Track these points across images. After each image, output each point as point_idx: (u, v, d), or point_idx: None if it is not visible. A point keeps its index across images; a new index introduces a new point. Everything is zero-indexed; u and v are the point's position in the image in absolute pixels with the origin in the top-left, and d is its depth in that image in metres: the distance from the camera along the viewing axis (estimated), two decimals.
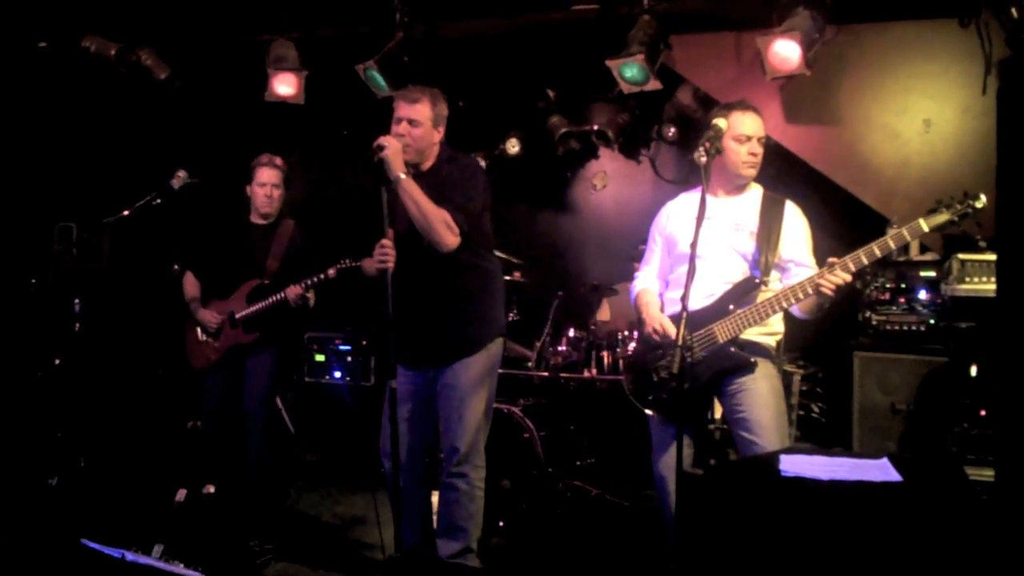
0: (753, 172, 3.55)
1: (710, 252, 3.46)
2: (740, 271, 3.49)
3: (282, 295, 4.43)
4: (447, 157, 3.76)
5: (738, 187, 3.59)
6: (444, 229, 3.51)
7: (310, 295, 4.45)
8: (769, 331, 3.51)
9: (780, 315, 3.51)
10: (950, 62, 4.96)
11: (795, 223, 3.55)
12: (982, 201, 3.11)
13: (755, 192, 3.62)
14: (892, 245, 3.21)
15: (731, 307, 3.41)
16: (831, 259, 3.25)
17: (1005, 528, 2.16)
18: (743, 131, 3.49)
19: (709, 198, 3.43)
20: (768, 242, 3.46)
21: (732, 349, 3.40)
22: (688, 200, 3.72)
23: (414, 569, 3.63)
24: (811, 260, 3.51)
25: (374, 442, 3.82)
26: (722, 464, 3.36)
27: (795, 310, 3.44)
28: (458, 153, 3.84)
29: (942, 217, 3.16)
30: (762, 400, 3.39)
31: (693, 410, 3.52)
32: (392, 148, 3.45)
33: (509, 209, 3.88)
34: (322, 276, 4.38)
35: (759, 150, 3.52)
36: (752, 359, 3.39)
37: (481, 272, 3.77)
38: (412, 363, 3.79)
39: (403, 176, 3.45)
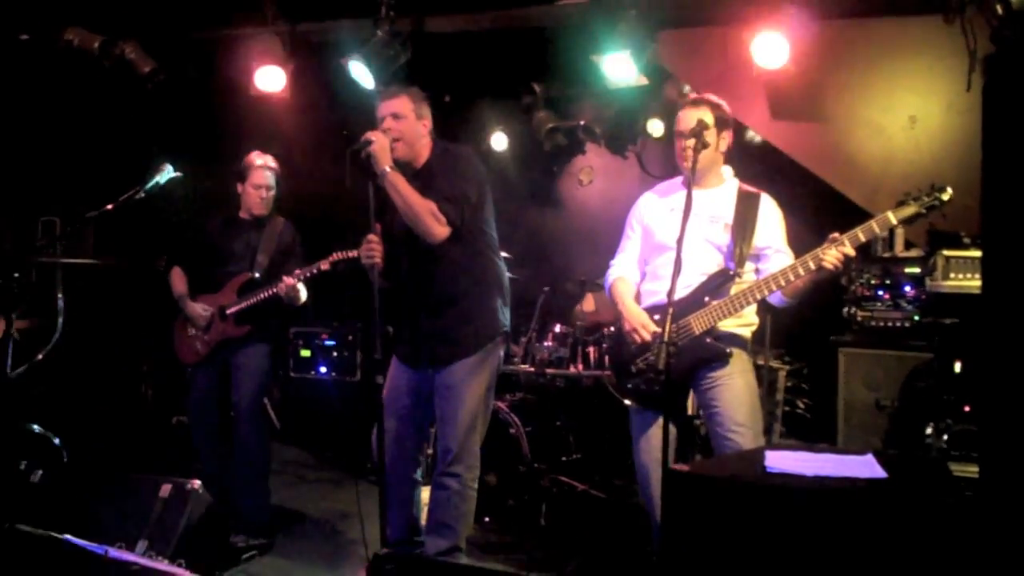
0: (686, 165, 3.50)
1: (687, 244, 3.39)
2: (715, 263, 3.51)
3: (273, 289, 4.40)
4: (440, 151, 3.74)
5: (703, 178, 3.58)
6: (431, 220, 3.49)
7: (301, 289, 4.41)
8: (744, 322, 3.55)
9: (755, 307, 3.54)
10: (935, 58, 4.97)
11: (770, 214, 3.59)
12: (948, 193, 3.23)
13: (730, 185, 3.65)
14: (876, 229, 3.28)
15: (706, 299, 3.44)
16: (834, 234, 3.27)
17: (989, 524, 2.17)
18: (677, 128, 3.59)
19: (683, 191, 3.46)
20: (743, 234, 3.50)
21: (708, 340, 3.43)
22: (664, 191, 3.77)
23: (400, 565, 3.62)
24: (787, 248, 3.55)
25: (360, 437, 3.81)
26: (707, 460, 3.36)
27: (775, 298, 3.44)
28: (451, 145, 3.81)
29: (909, 210, 3.25)
30: (737, 397, 3.43)
31: (671, 401, 3.48)
32: (379, 143, 3.44)
33: (495, 204, 3.86)
34: (315, 271, 4.35)
35: (687, 143, 3.44)
36: (728, 350, 3.42)
37: (481, 271, 3.73)
38: (410, 361, 3.78)
39: (388, 169, 3.44)
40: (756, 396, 3.54)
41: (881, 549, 2.10)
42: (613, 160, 6.87)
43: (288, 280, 4.35)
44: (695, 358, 3.44)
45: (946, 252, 4.46)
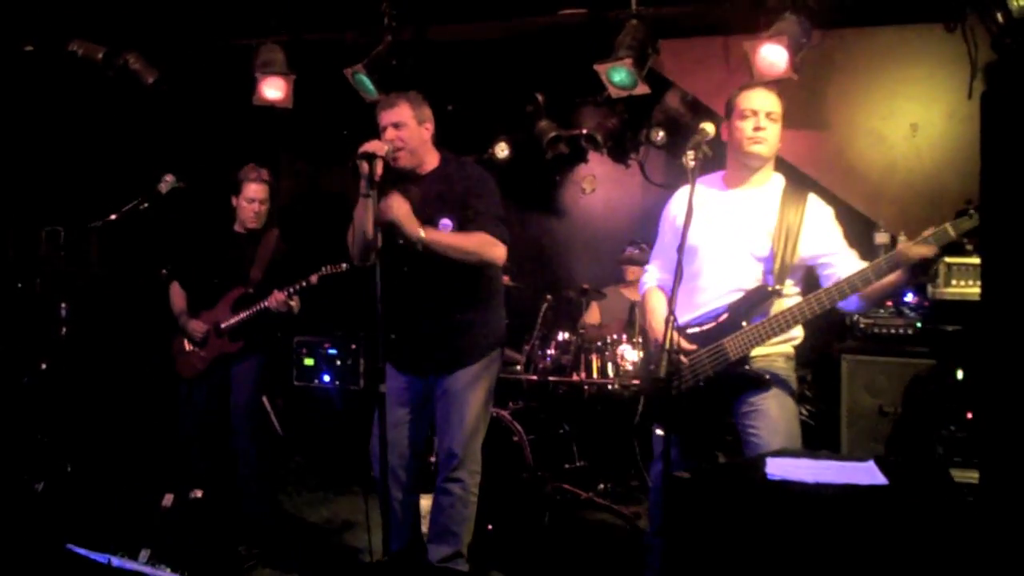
0: (760, 149, 3.22)
1: (721, 255, 3.22)
2: (754, 277, 3.19)
3: (265, 303, 4.44)
4: (451, 159, 3.75)
5: (753, 175, 3.27)
6: (491, 249, 3.55)
7: (294, 301, 4.46)
8: (784, 338, 3.21)
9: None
10: (936, 67, 4.98)
11: (819, 216, 3.23)
12: None
13: (775, 184, 3.31)
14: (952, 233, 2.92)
15: (743, 322, 3.14)
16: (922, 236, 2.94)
17: (989, 530, 2.17)
18: (747, 106, 3.21)
19: (723, 191, 3.31)
20: (785, 242, 3.15)
21: (745, 368, 3.14)
22: (702, 190, 3.30)
23: (403, 573, 3.63)
24: (848, 249, 3.19)
25: (364, 445, 3.82)
26: (709, 467, 3.34)
27: (851, 303, 3.11)
28: (462, 158, 3.82)
29: (969, 223, 2.90)
30: (772, 425, 3.13)
31: (706, 431, 3.31)
32: (398, 209, 3.41)
33: None
34: (304, 283, 4.41)
35: (766, 124, 3.20)
36: (766, 376, 3.14)
37: (482, 279, 3.75)
38: (412, 369, 3.79)
39: (423, 235, 3.43)
40: (793, 420, 3.21)
41: (882, 555, 2.10)
42: (615, 169, 6.88)
43: (278, 295, 4.41)
44: (731, 387, 3.17)
45: (948, 259, 4.46)
